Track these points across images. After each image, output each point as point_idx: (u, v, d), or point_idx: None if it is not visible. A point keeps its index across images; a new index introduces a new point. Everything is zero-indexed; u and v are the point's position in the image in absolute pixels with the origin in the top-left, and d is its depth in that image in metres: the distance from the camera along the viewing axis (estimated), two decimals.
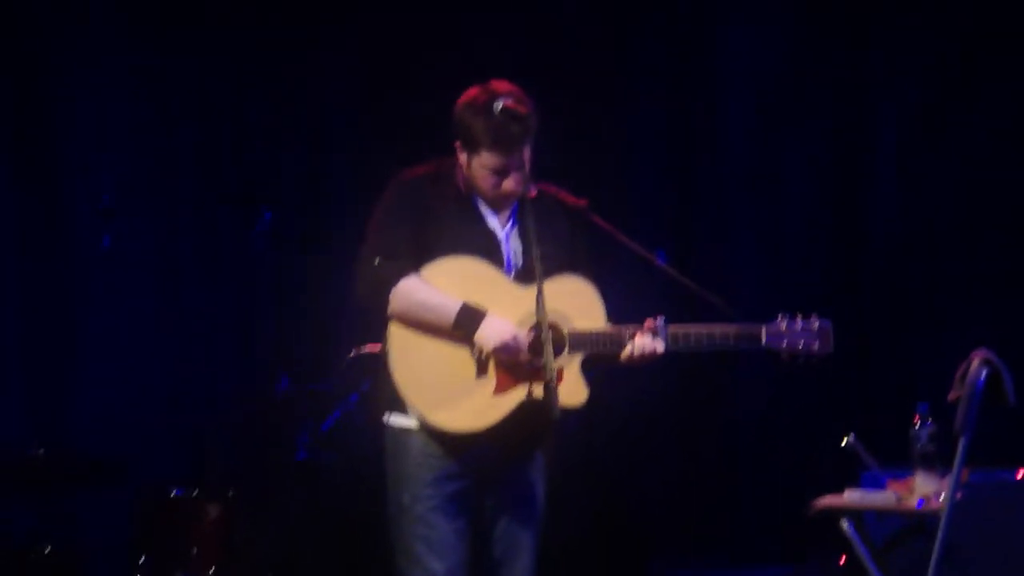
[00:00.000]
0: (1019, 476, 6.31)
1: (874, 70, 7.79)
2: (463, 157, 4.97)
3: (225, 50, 7.82)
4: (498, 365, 4.88)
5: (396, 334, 4.91)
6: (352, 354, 6.69)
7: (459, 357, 4.89)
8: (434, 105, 5.21)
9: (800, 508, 6.22)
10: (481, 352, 4.87)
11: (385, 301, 4.86)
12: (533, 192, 4.99)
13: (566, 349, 4.92)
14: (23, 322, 7.44)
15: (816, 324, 5.13)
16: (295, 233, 7.59)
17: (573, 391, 4.93)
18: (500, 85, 4.95)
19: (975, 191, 7.57)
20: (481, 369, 4.89)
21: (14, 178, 7.48)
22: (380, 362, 4.98)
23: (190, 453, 7.23)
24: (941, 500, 5.81)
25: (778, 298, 7.44)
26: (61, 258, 7.54)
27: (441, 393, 4.89)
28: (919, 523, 6.05)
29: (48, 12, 7.56)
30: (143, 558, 6.70)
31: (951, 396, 5.68)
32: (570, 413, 4.88)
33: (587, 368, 4.96)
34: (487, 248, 4.97)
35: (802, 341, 5.10)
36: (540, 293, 4.76)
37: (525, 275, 4.89)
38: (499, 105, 4.89)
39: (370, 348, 6.23)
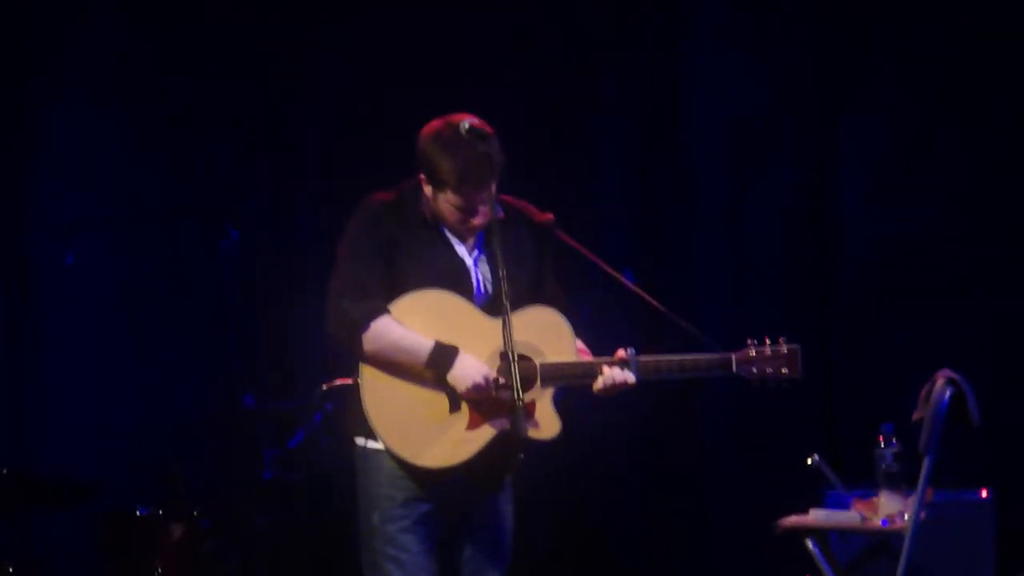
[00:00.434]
0: (983, 495, 6.36)
1: (842, 104, 7.82)
2: (428, 190, 4.95)
3: (194, 67, 7.76)
4: (471, 401, 4.88)
5: (368, 373, 4.90)
6: (323, 387, 6.68)
7: (432, 394, 4.88)
8: (404, 130, 5.18)
9: (766, 528, 6.26)
10: (454, 390, 4.87)
11: (357, 342, 4.85)
12: (500, 213, 4.98)
13: (538, 382, 4.92)
14: None
15: (785, 348, 5.14)
16: (262, 252, 7.55)
17: (546, 424, 4.93)
18: (462, 116, 4.94)
19: (941, 215, 7.62)
20: (454, 405, 4.89)
21: None
22: (351, 393, 4.97)
23: (154, 472, 7.19)
24: (905, 520, 5.85)
25: (742, 318, 7.62)
26: (23, 274, 7.48)
27: (415, 431, 4.88)
28: (884, 542, 6.10)
29: (18, 17, 7.50)
30: None
31: (915, 416, 5.72)
32: (543, 445, 4.89)
33: (559, 398, 4.97)
34: (456, 277, 4.95)
35: (771, 366, 5.11)
36: (507, 322, 4.75)
37: (495, 303, 4.87)
38: (465, 125, 4.88)
39: (340, 382, 6.23)
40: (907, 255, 7.65)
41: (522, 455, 4.82)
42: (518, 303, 4.88)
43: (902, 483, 6.04)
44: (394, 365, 4.87)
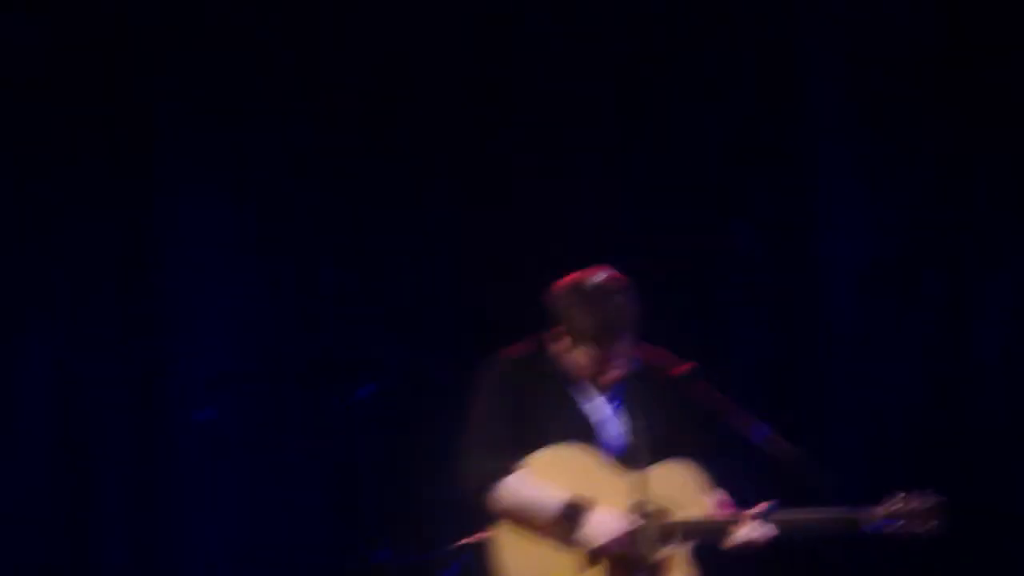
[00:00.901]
0: None
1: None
2: (564, 344, 4.97)
3: (325, 223, 7.85)
4: (608, 559, 4.85)
5: (503, 531, 4.90)
6: (457, 545, 6.66)
7: (568, 552, 4.86)
8: (528, 288, 5.21)
9: None
10: (589, 547, 4.84)
11: (489, 497, 4.86)
12: (637, 365, 4.98)
13: (676, 537, 4.88)
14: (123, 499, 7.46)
15: (926, 501, 5.06)
16: (397, 405, 7.57)
17: None
18: (595, 269, 4.98)
19: None
20: (591, 562, 4.86)
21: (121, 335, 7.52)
22: (485, 549, 4.96)
23: None
24: None
25: (881, 472, 7.46)
26: (163, 426, 7.56)
27: None
28: None
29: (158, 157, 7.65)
30: None
31: None
32: None
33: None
34: (592, 431, 4.95)
35: (910, 521, 5.03)
36: (643, 477, 4.73)
37: (631, 458, 4.87)
38: (602, 276, 4.91)
39: (476, 538, 6.21)
40: None
41: None
42: (654, 458, 4.86)
43: None
44: (527, 522, 4.87)
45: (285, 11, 7.67)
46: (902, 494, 5.06)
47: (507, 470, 4.87)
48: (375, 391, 7.29)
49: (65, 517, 7.33)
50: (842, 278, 7.85)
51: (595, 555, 4.85)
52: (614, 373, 4.95)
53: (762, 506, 4.96)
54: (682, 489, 4.94)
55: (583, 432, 4.94)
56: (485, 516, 4.92)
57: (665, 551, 4.83)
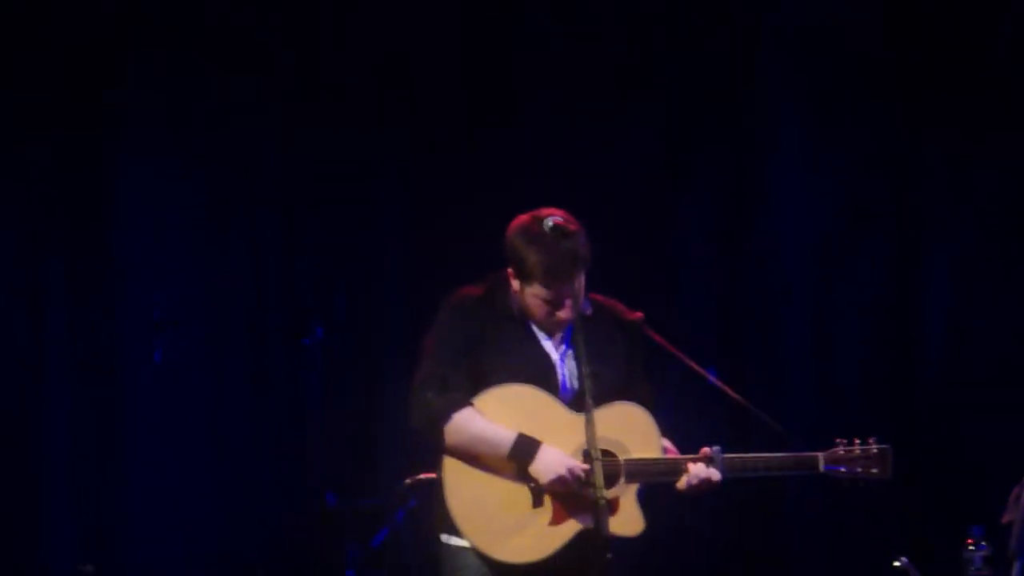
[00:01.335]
0: None
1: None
2: (516, 284, 4.97)
3: (282, 168, 7.83)
4: (554, 496, 4.87)
5: (451, 467, 4.91)
6: (407, 482, 6.67)
7: (515, 488, 4.88)
8: (487, 226, 5.21)
9: None
10: (537, 483, 4.86)
11: (439, 434, 4.86)
12: (588, 310, 4.99)
13: (622, 478, 4.90)
14: (72, 435, 7.43)
15: (875, 448, 5.11)
16: (346, 349, 7.57)
17: (630, 521, 4.92)
18: (549, 211, 4.97)
19: None
20: (537, 500, 4.88)
21: (66, 284, 7.49)
22: (434, 488, 4.97)
23: (238, 570, 7.19)
24: None
25: (829, 418, 7.56)
26: (112, 371, 7.54)
27: (498, 526, 4.87)
28: None
29: (106, 108, 7.60)
30: None
31: (1005, 519, 5.64)
32: (628, 542, 4.86)
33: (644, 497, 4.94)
34: (542, 372, 4.96)
35: (860, 467, 5.08)
36: (590, 417, 4.74)
37: (581, 399, 4.88)
38: (549, 223, 4.91)
39: (424, 476, 6.23)
40: (995, 354, 7.59)
41: (610, 555, 4.76)
42: (604, 400, 4.87)
43: None
44: (476, 458, 4.88)
45: None
46: (851, 440, 5.10)
47: (457, 405, 4.86)
48: (322, 337, 7.29)
49: (13, 450, 7.33)
50: (791, 247, 7.97)
51: (543, 493, 4.87)
52: (563, 315, 4.94)
53: (710, 449, 4.98)
54: (631, 431, 4.95)
55: (534, 372, 4.94)
56: (435, 452, 4.92)
57: (612, 491, 4.85)
